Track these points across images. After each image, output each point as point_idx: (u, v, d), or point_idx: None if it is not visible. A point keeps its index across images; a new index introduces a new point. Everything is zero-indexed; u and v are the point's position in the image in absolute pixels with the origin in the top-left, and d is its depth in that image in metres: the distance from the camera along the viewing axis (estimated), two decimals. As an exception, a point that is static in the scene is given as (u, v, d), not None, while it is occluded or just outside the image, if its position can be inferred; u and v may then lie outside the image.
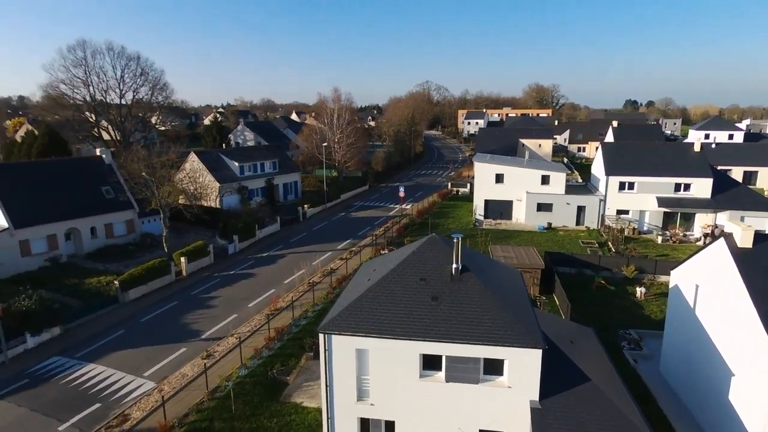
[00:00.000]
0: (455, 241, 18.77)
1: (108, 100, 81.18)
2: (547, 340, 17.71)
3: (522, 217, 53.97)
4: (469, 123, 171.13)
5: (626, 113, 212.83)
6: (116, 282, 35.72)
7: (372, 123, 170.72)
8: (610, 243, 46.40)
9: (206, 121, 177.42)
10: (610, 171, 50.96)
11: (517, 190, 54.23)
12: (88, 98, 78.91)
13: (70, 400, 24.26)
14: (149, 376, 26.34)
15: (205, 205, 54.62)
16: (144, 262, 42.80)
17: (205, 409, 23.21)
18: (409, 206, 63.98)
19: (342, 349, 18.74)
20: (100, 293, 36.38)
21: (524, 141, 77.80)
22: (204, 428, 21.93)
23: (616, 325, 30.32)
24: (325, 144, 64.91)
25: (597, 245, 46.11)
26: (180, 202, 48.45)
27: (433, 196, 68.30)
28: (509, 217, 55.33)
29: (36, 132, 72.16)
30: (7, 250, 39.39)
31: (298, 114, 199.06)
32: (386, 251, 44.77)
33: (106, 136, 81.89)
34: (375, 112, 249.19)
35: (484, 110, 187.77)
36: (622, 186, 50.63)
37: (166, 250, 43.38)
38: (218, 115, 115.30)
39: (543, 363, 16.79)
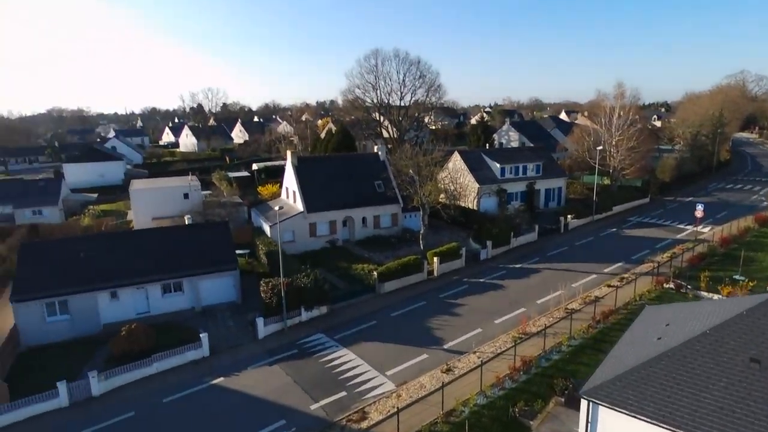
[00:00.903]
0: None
1: (390, 102, 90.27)
2: None
3: None
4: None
5: None
6: (375, 273, 37.88)
7: (657, 123, 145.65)
8: None
9: (473, 121, 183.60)
10: None
11: None
12: (375, 100, 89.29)
13: (324, 381, 26.03)
14: (391, 376, 26.29)
15: (462, 205, 54.27)
16: (401, 256, 44.83)
17: (437, 432, 21.53)
18: (707, 229, 50.38)
19: (612, 429, 13.91)
20: (362, 280, 39.29)
21: None
22: (434, 456, 20.17)
23: None
24: (600, 148, 56.49)
25: None
26: (440, 199, 49.17)
27: (747, 219, 52.14)
28: None
29: (333, 130, 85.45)
30: (300, 231, 46.61)
31: (567, 113, 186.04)
32: (671, 285, 35.47)
33: (385, 134, 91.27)
34: (662, 110, 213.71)
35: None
36: None
37: (421, 247, 44.35)
38: (485, 115, 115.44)
39: None
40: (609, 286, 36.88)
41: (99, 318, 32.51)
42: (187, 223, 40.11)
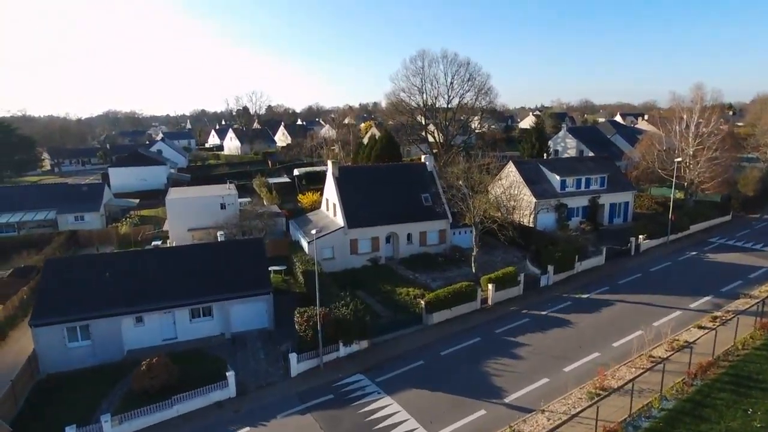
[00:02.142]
0: None
1: (437, 105, 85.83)
2: None
3: None
4: None
5: None
6: (422, 302, 33.73)
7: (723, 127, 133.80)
8: None
9: (522, 125, 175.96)
10: None
11: None
12: (421, 104, 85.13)
13: (363, 440, 22.19)
14: (442, 438, 22.13)
15: (517, 221, 49.20)
16: (450, 277, 40.73)
17: None
18: (809, 256, 43.24)
19: None
20: (407, 307, 35.26)
21: None
22: None
23: None
24: (679, 159, 49.92)
25: None
26: (492, 215, 44.51)
27: None
28: None
29: (376, 135, 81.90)
30: (341, 248, 43.07)
31: (623, 116, 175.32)
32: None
33: (430, 139, 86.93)
34: (729, 113, 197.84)
35: None
36: None
37: (474, 270, 39.84)
38: (538, 121, 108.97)
39: None
40: (700, 327, 31.14)
41: (122, 344, 30.04)
42: (219, 239, 37.36)
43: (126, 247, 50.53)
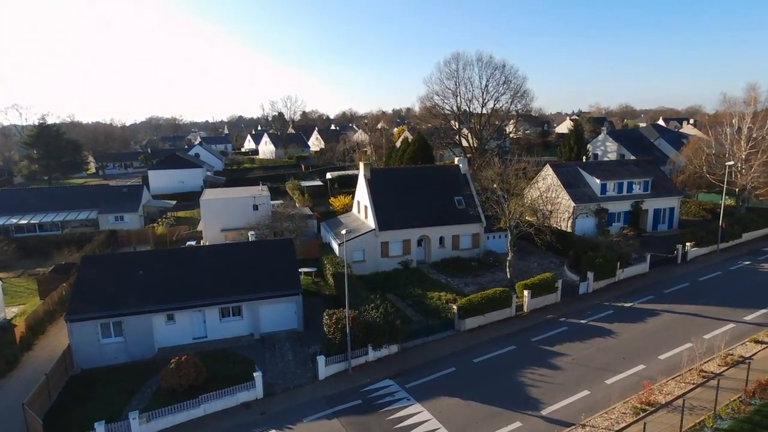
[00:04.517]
0: None
1: (471, 109, 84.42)
2: None
3: None
4: None
5: None
6: (454, 307, 32.61)
7: None
8: None
9: (558, 129, 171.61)
10: None
11: None
12: (454, 107, 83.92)
13: (391, 449, 21.30)
14: (475, 450, 20.98)
15: (554, 225, 47.37)
16: (483, 283, 39.46)
17: None
18: None
19: None
20: (439, 312, 34.21)
21: None
22: None
23: None
24: (731, 163, 46.89)
25: None
26: (528, 219, 42.97)
27: None
28: None
29: (409, 139, 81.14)
30: (371, 250, 42.43)
31: (665, 121, 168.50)
32: None
33: (464, 143, 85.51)
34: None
35: None
36: None
37: (508, 276, 38.40)
38: (575, 122, 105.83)
39: None
40: (757, 341, 28.78)
41: (154, 341, 30.23)
42: (250, 239, 37.34)
43: (162, 246, 51.48)
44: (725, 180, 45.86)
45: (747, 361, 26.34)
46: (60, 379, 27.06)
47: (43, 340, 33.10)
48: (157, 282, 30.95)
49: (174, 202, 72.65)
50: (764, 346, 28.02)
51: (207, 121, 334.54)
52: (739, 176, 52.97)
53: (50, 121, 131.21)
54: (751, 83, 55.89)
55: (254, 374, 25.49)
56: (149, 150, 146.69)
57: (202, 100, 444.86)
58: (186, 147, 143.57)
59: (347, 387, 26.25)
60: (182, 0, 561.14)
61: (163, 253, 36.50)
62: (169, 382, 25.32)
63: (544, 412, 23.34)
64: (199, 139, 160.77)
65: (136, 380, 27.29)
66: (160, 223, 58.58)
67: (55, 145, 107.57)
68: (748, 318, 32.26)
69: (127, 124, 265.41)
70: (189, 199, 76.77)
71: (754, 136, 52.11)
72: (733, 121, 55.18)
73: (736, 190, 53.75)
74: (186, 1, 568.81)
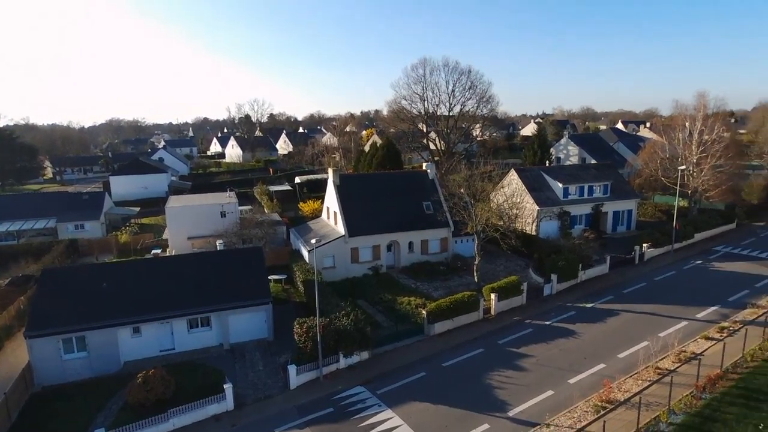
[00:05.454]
0: None
1: (438, 113, 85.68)
2: None
3: None
4: None
5: None
6: (423, 312, 33.20)
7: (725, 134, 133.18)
8: None
9: (523, 132, 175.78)
10: None
11: None
12: (422, 111, 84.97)
13: (363, 456, 21.60)
14: (444, 454, 21.53)
15: (519, 229, 48.74)
16: (452, 286, 40.26)
17: None
18: (816, 265, 42.60)
19: None
20: (408, 317, 34.72)
21: None
22: None
23: None
24: (683, 167, 49.34)
25: None
26: (494, 222, 44.07)
27: None
28: None
29: (378, 143, 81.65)
30: (341, 256, 42.61)
31: (624, 124, 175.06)
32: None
33: (432, 146, 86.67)
34: (732, 120, 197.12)
35: None
36: None
37: (476, 280, 39.30)
38: (539, 126, 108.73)
39: None
40: (708, 338, 30.53)
41: (119, 355, 29.52)
42: (218, 247, 36.96)
43: (125, 255, 50.16)
44: (678, 183, 48.25)
45: (698, 357, 27.98)
46: (20, 397, 26.12)
47: (1, 357, 31.83)
48: (121, 293, 30.27)
49: (137, 209, 70.78)
50: (714, 342, 29.74)
51: (171, 123, 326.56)
52: (691, 179, 55.78)
53: (2, 123, 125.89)
54: (700, 91, 59.09)
55: (224, 386, 25.30)
56: (110, 154, 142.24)
57: (165, 102, 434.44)
58: (149, 150, 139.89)
59: (319, 395, 26.39)
60: (136, 1, 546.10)
61: (127, 264, 35.64)
62: (137, 397, 24.86)
63: (511, 414, 24.12)
64: (162, 143, 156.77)
65: (101, 396, 26.60)
66: (123, 231, 57.05)
67: (9, 149, 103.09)
68: (700, 315, 34.13)
69: (86, 126, 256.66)
70: (153, 205, 74.82)
71: (704, 140, 54.97)
72: (686, 124, 58.04)
73: (689, 192, 56.58)
74: (139, 3, 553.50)
